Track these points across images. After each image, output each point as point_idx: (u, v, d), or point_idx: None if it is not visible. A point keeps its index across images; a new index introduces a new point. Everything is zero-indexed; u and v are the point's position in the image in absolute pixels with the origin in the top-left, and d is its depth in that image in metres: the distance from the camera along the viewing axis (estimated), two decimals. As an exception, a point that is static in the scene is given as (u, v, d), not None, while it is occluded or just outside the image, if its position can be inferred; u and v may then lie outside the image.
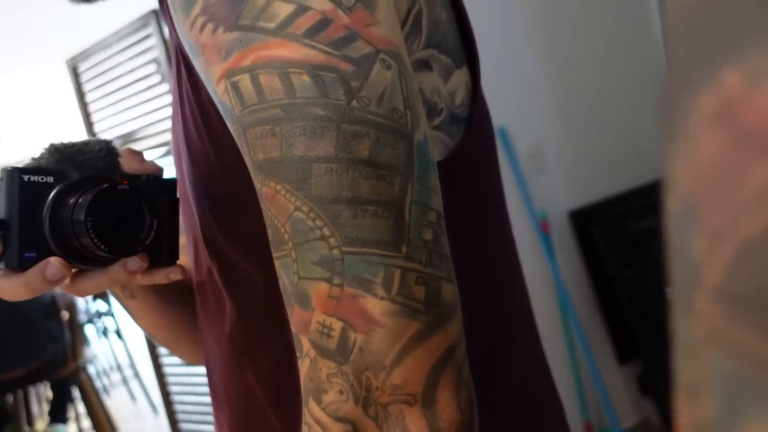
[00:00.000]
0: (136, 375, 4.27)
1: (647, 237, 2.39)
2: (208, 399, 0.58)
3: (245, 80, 0.35)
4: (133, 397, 4.45)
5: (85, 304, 4.78)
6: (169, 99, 2.01)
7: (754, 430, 0.12)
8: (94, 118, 2.19)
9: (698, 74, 0.13)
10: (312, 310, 0.34)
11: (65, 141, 0.46)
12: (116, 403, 4.45)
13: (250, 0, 0.35)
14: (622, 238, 2.38)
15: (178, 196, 0.49)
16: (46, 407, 3.13)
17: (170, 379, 2.20)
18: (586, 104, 2.48)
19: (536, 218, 2.38)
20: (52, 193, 0.43)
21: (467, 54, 0.49)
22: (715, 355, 0.13)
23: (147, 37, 1.99)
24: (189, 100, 0.45)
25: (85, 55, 2.12)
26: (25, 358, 2.59)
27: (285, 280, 0.35)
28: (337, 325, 0.33)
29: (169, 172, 0.50)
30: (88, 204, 0.42)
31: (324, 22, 0.34)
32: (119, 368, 4.48)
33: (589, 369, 2.35)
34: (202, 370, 0.60)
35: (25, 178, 0.42)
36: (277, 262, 0.36)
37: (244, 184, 0.41)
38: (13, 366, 2.58)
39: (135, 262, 0.45)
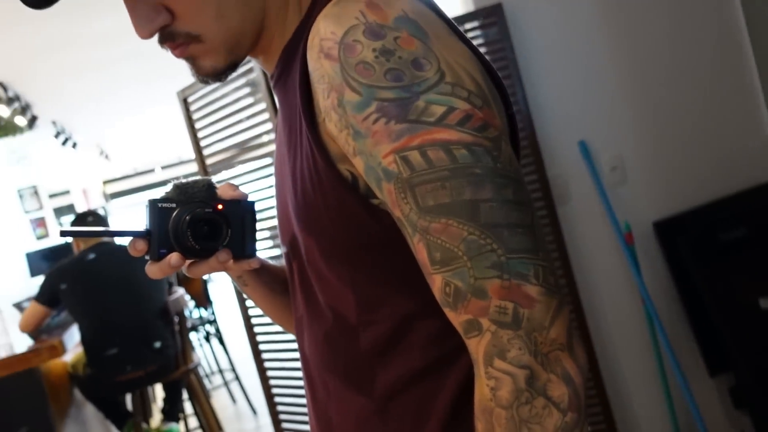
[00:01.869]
0: (237, 378, 4.53)
1: (736, 247, 2.36)
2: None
3: (415, 154, 0.53)
4: (233, 399, 4.73)
5: (189, 312, 5.12)
6: (262, 117, 2.20)
7: None
8: (200, 135, 2.41)
9: None
10: (489, 298, 0.52)
11: (183, 180, 0.71)
12: (218, 405, 4.73)
13: (414, 104, 0.53)
14: (710, 249, 2.36)
15: (256, 212, 0.72)
16: (159, 407, 3.41)
17: (273, 382, 2.37)
18: (668, 115, 2.48)
19: (620, 230, 2.41)
20: (174, 214, 0.68)
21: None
22: None
23: (248, 68, 2.19)
24: (307, 154, 0.62)
25: (193, 88, 2.35)
26: (145, 361, 2.86)
27: (459, 283, 0.53)
28: (510, 306, 0.51)
29: (253, 196, 0.74)
30: (188, 221, 0.67)
31: (468, 116, 0.54)
32: (220, 372, 4.77)
33: (678, 381, 2.34)
34: (301, 373, 0.77)
35: (159, 205, 0.68)
36: (447, 274, 0.53)
37: (344, 226, 0.61)
38: (135, 368, 2.85)
39: (223, 255, 0.68)
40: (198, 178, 0.72)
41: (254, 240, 0.71)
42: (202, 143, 2.37)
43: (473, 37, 2.28)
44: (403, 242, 0.59)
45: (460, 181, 0.52)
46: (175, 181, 0.71)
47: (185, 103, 2.37)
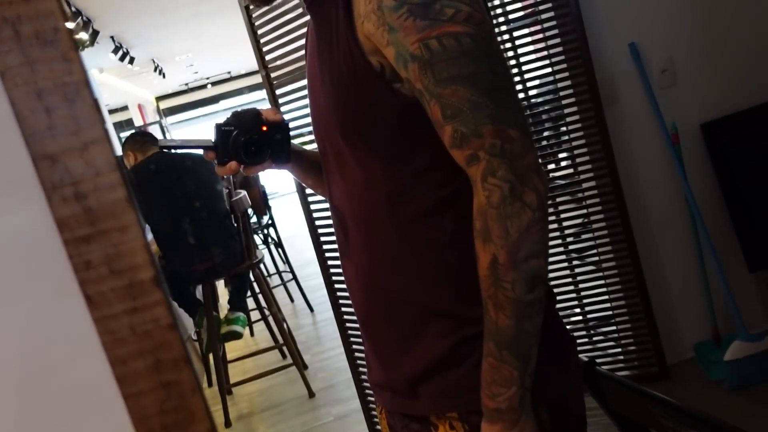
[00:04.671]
0: (294, 278, 4.82)
1: (784, 148, 2.40)
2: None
3: (433, 42, 0.75)
4: (291, 298, 5.05)
5: (250, 217, 5.40)
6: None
7: None
8: (265, 48, 2.51)
9: None
10: (485, 137, 0.75)
11: (239, 110, 0.99)
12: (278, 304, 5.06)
13: (433, 6, 0.75)
14: (756, 150, 2.41)
15: (290, 130, 1.01)
16: (226, 298, 3.72)
17: (335, 278, 2.56)
18: (720, 17, 2.47)
19: (667, 131, 2.47)
20: (232, 136, 0.97)
21: None
22: None
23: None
24: (344, 51, 0.83)
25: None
26: (213, 254, 3.12)
27: (464, 129, 0.75)
28: (498, 143, 0.74)
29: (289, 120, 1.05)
30: (242, 144, 0.96)
31: (470, 15, 0.76)
32: (278, 273, 5.08)
33: (718, 277, 2.45)
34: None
35: (222, 128, 0.96)
36: (456, 124, 0.76)
37: (378, 102, 0.82)
38: (205, 259, 3.11)
39: (265, 164, 1.01)
40: (249, 108, 1.00)
41: (289, 150, 1.01)
42: (267, 57, 2.47)
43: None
44: (417, 115, 0.80)
45: (465, 59, 0.74)
46: (234, 111, 1.00)
47: (247, 11, 2.47)
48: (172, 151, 1.05)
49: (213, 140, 0.97)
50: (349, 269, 0.95)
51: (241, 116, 0.98)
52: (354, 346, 2.58)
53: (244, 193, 3.45)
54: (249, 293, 3.87)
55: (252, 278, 3.45)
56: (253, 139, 0.96)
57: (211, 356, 3.48)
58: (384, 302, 0.89)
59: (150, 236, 3.16)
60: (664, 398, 0.98)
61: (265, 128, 0.98)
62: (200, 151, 0.99)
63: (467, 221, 0.80)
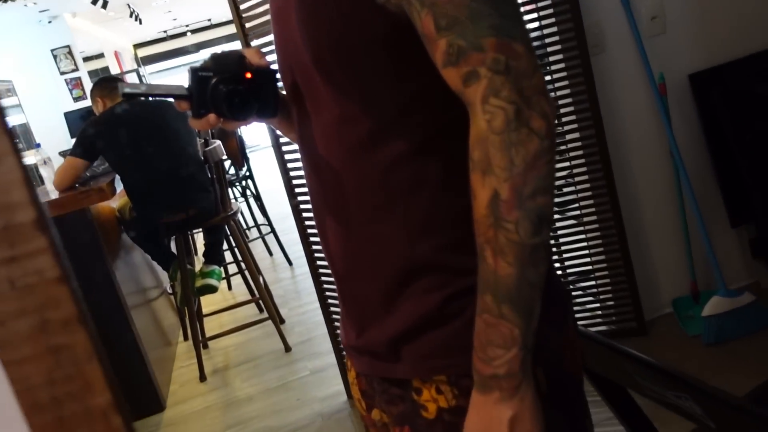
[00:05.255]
0: (273, 232, 4.75)
1: (772, 100, 2.33)
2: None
3: None
4: (270, 252, 4.98)
5: (227, 169, 5.28)
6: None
7: None
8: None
9: None
10: (486, 51, 0.63)
11: (218, 52, 0.83)
12: (255, 257, 5.00)
13: None
14: (744, 102, 2.34)
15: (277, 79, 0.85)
16: (201, 253, 3.64)
17: (311, 231, 2.50)
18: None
19: (654, 81, 2.39)
20: (211, 83, 0.81)
21: None
22: None
23: None
24: None
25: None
26: (186, 204, 3.02)
27: (462, 42, 0.64)
28: (503, 58, 0.63)
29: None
30: (225, 95, 0.80)
31: None
32: (257, 226, 4.99)
33: (700, 231, 2.42)
34: None
35: (199, 74, 0.81)
36: (451, 36, 0.64)
37: (357, 27, 0.70)
38: (177, 211, 3.02)
39: (252, 119, 0.85)
40: (231, 50, 0.85)
41: (277, 102, 0.86)
42: (242, 6, 2.34)
43: None
44: (406, 37, 0.69)
45: None
46: (212, 53, 0.84)
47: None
48: (142, 98, 0.90)
49: (187, 87, 0.82)
50: (323, 220, 0.84)
51: (221, 60, 0.83)
52: (329, 301, 2.54)
53: (218, 142, 3.34)
54: (226, 246, 3.80)
55: (228, 231, 3.37)
56: (237, 90, 0.81)
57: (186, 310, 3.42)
58: (364, 255, 0.79)
59: (120, 187, 3.06)
60: (640, 356, 0.94)
61: (249, 75, 0.82)
62: (172, 100, 0.85)
63: (459, 161, 0.69)
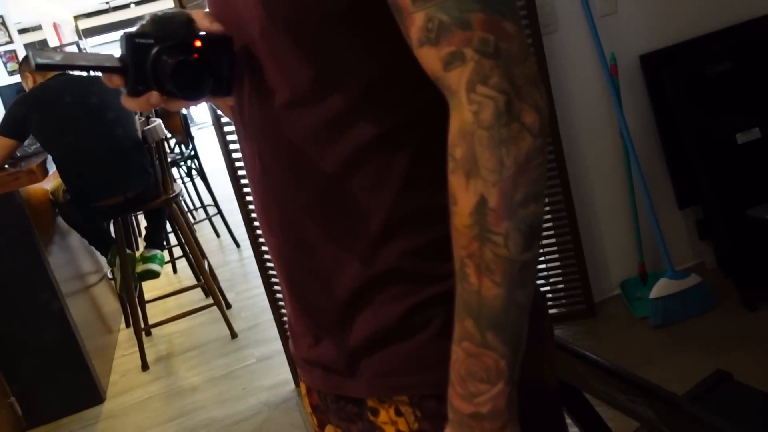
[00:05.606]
0: (219, 213, 4.61)
1: (720, 82, 2.33)
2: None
3: None
4: (217, 233, 4.85)
5: (170, 148, 5.09)
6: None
7: None
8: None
9: None
10: (473, 29, 0.53)
11: (160, 13, 0.66)
12: (202, 239, 4.86)
13: None
14: (694, 83, 2.33)
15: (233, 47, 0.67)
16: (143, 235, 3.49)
17: (255, 215, 2.40)
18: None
19: (605, 62, 2.36)
20: (152, 53, 0.64)
21: None
22: None
23: None
24: None
25: None
26: (123, 187, 2.87)
27: (444, 17, 0.53)
28: (492, 38, 0.53)
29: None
30: (171, 69, 0.63)
31: None
32: (203, 207, 4.84)
33: (648, 212, 2.41)
34: None
35: (136, 40, 0.64)
36: (431, 9, 0.54)
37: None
38: (114, 193, 2.86)
39: (204, 98, 0.68)
40: (176, 10, 0.67)
41: (232, 76, 0.68)
42: None
43: None
44: (367, 9, 0.59)
45: None
46: (152, 15, 0.66)
47: None
48: (76, 73, 0.71)
49: (120, 58, 0.65)
50: (268, 218, 0.72)
51: (163, 23, 0.65)
52: (275, 287, 2.45)
53: (158, 121, 3.18)
54: (170, 228, 3.66)
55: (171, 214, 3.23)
56: (187, 62, 0.64)
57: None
58: (317, 259, 0.68)
59: (53, 168, 2.88)
60: (593, 358, 0.89)
61: (199, 43, 0.65)
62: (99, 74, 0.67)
63: (429, 154, 0.62)
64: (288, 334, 0.84)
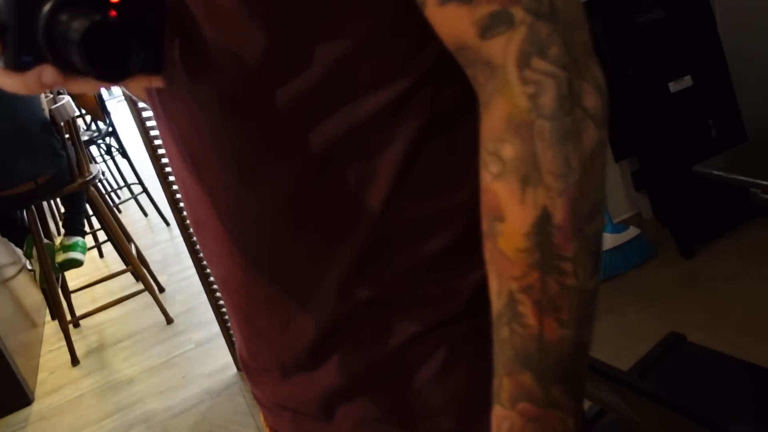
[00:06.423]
0: (145, 191, 4.38)
1: (652, 30, 2.30)
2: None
3: None
4: (144, 212, 4.62)
5: (86, 126, 4.79)
6: None
7: None
8: None
9: None
10: None
11: None
12: (129, 219, 4.63)
13: None
14: (625, 32, 2.29)
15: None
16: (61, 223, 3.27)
17: (180, 195, 2.25)
18: None
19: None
20: (47, 7, 0.42)
21: None
22: None
23: None
24: None
25: None
26: (33, 172, 2.64)
27: None
28: None
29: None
30: (83, 34, 0.41)
31: None
32: (127, 186, 4.59)
33: (584, 167, 2.39)
34: None
35: None
36: None
37: None
38: (22, 180, 2.63)
39: (132, 79, 0.46)
40: None
41: (162, 49, 0.47)
42: None
43: None
44: None
45: None
46: None
47: None
48: None
49: None
50: (206, 236, 0.56)
51: None
52: (208, 270, 2.32)
53: (67, 98, 2.94)
54: (92, 212, 3.43)
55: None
56: (104, 24, 0.42)
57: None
58: (278, 287, 0.53)
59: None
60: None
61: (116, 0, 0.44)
62: None
63: (426, 147, 0.47)
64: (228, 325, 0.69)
